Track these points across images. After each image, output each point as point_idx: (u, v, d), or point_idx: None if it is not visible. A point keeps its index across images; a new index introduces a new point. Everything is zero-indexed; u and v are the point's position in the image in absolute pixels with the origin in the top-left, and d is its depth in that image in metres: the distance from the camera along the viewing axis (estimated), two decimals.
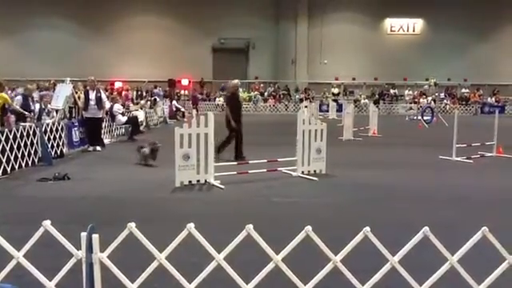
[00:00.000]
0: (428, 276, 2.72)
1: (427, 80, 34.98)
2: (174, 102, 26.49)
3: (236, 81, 11.60)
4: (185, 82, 35.58)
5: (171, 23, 36.39)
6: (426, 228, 2.65)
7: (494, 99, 34.28)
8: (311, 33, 36.58)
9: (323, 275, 2.64)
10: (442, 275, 2.70)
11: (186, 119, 18.93)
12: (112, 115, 15.38)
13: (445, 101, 33.47)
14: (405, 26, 37.42)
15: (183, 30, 36.35)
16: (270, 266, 2.59)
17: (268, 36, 36.62)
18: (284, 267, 2.59)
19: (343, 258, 2.62)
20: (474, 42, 35.78)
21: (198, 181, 8.05)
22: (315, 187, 8.23)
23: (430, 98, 32.07)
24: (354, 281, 2.64)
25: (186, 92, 35.11)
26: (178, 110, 25.30)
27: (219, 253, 2.59)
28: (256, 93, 35.60)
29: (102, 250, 2.52)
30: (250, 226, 2.57)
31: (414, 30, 37.38)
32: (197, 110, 25.71)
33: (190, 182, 7.97)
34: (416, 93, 34.89)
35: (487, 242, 2.69)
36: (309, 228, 2.56)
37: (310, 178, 8.84)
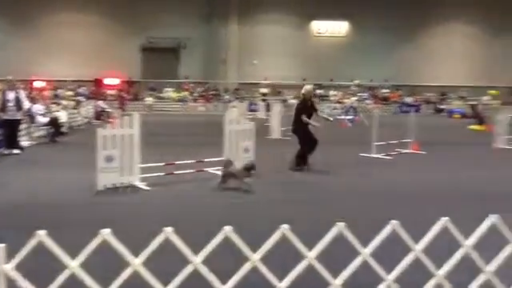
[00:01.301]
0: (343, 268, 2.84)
1: (352, 81, 36.40)
2: (101, 102, 25.58)
3: (309, 86, 10.88)
4: (112, 81, 34.49)
5: (98, 20, 35.15)
6: (341, 224, 2.76)
7: (411, 99, 36.32)
8: (242, 33, 36.86)
9: (243, 273, 2.67)
10: (356, 267, 2.83)
11: (111, 120, 18.33)
12: (31, 116, 14.58)
13: (367, 101, 34.98)
14: (331, 29, 38.68)
15: (111, 27, 35.27)
16: (189, 269, 2.58)
17: (199, 36, 36.41)
18: (204, 269, 2.59)
19: (263, 257, 2.66)
20: (395, 44, 37.71)
21: (122, 183, 7.83)
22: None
23: (353, 99, 33.36)
24: (269, 276, 2.69)
25: (114, 92, 34.03)
26: (103, 110, 24.43)
27: (137, 257, 2.54)
28: (186, 93, 35.28)
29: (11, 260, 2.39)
30: (169, 229, 2.55)
31: (339, 32, 38.74)
32: (123, 111, 24.99)
33: (113, 185, 7.73)
34: (341, 93, 36.17)
35: (396, 234, 2.85)
36: (228, 228, 2.58)
37: None
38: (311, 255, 2.73)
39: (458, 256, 2.99)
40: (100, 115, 23.39)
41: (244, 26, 36.87)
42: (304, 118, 9.94)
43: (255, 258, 2.64)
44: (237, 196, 7.44)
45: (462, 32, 38.61)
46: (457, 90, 37.18)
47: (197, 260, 2.57)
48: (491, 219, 2.98)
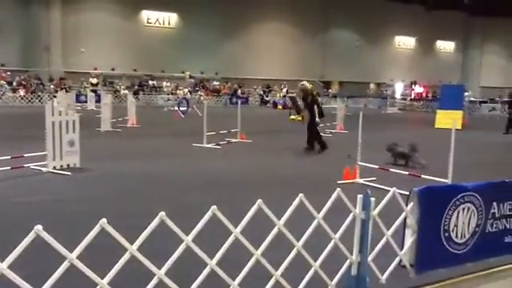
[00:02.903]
0: (167, 259, 2.87)
1: (183, 73, 36.66)
2: None
3: (305, 83, 12.64)
4: None
5: None
6: (162, 213, 2.79)
7: (240, 91, 38.13)
8: (66, 19, 34.18)
9: (59, 274, 2.52)
10: (177, 258, 2.89)
11: None
12: None
13: (199, 92, 35.66)
14: (161, 19, 38.28)
15: None
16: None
17: (16, 20, 32.67)
18: (12, 274, 2.38)
19: (80, 255, 2.55)
20: (223, 39, 39.06)
21: None
22: (67, 182, 7.79)
23: (186, 90, 33.72)
24: (92, 275, 2.60)
25: None
26: None
27: None
28: (2, 82, 31.40)
29: None
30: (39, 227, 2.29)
31: (169, 24, 38.56)
32: None
33: None
34: (173, 85, 36.19)
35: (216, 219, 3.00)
36: (39, 227, 2.41)
37: (63, 172, 8.33)
38: (133, 247, 2.71)
39: (272, 234, 3.27)
40: None
41: (68, 12, 34.24)
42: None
43: (73, 256, 2.52)
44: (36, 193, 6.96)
45: (280, 31, 41.79)
46: (279, 82, 40.23)
47: (2, 265, 2.35)
48: (299, 198, 3.32)
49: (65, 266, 2.51)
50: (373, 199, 3.57)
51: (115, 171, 8.71)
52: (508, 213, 4.35)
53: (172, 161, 10.16)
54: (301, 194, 3.34)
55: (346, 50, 44.15)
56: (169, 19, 38.51)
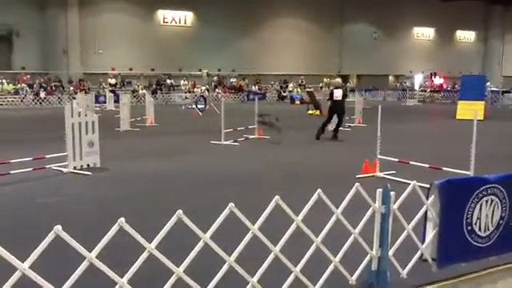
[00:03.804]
0: (185, 257, 2.88)
1: (200, 71, 36.76)
2: None
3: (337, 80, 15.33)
4: None
5: None
6: (180, 211, 2.80)
7: (257, 87, 38.06)
8: (84, 22, 34.53)
9: (79, 273, 2.55)
10: (196, 254, 2.89)
11: None
12: None
13: (217, 90, 35.73)
14: (177, 18, 38.42)
15: None
16: (18, 275, 2.38)
17: (34, 24, 33.11)
18: (33, 274, 2.41)
19: (100, 254, 2.57)
20: (239, 36, 38.99)
21: None
22: (88, 182, 7.89)
23: (203, 88, 33.81)
24: (111, 274, 2.62)
25: None
26: None
27: None
28: (23, 85, 31.95)
29: None
30: None
31: (185, 23, 38.69)
32: None
33: None
34: (191, 83, 36.32)
35: (235, 217, 2.99)
36: (58, 227, 2.43)
37: (83, 172, 8.44)
38: (151, 246, 2.72)
39: (290, 231, 3.25)
40: None
41: (85, 14, 34.58)
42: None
43: (92, 255, 2.54)
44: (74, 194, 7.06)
45: (296, 26, 41.56)
46: (296, 78, 40.05)
47: (24, 265, 2.38)
48: (317, 193, 3.30)
49: (84, 265, 2.54)
50: (393, 193, 3.52)
51: (134, 170, 8.79)
52: None
53: (190, 159, 10.21)
54: (319, 190, 3.32)
55: (363, 43, 43.69)
56: (185, 18, 38.63)
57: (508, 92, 34.35)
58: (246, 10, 38.39)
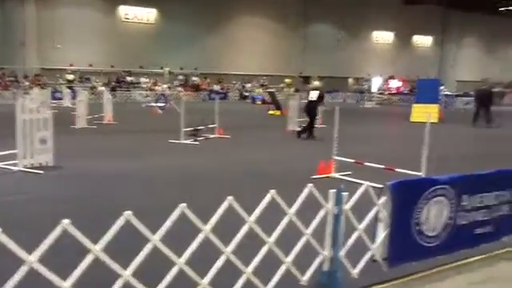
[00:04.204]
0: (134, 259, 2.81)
1: (162, 69, 36.27)
2: None
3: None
4: None
5: None
6: (128, 212, 2.72)
7: (219, 87, 37.89)
8: (42, 14, 33.39)
9: (19, 278, 2.44)
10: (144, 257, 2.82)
11: None
12: None
13: (178, 88, 35.33)
14: (139, 15, 37.77)
15: None
16: None
17: None
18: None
19: (41, 256, 2.46)
20: (203, 34, 38.73)
21: None
22: (39, 181, 7.61)
23: (164, 86, 33.40)
24: (53, 277, 2.52)
25: None
26: None
27: None
28: None
29: None
30: None
31: (148, 20, 38.09)
32: None
33: None
34: (152, 81, 35.78)
35: (184, 218, 2.94)
36: None
37: (35, 171, 8.14)
38: (97, 248, 2.64)
39: (243, 232, 3.23)
40: None
41: (44, 7, 33.47)
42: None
43: (31, 259, 2.43)
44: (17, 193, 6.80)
45: (260, 25, 41.70)
46: (258, 78, 40.14)
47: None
48: (271, 193, 3.29)
49: (23, 270, 2.43)
50: (345, 194, 3.55)
51: (88, 169, 8.54)
52: (478, 205, 4.39)
53: (147, 158, 10.03)
54: (272, 191, 3.31)
55: (326, 45, 44.27)
56: (148, 15, 38.02)
57: (461, 96, 35.62)
58: (210, 7, 38.15)
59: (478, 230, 4.45)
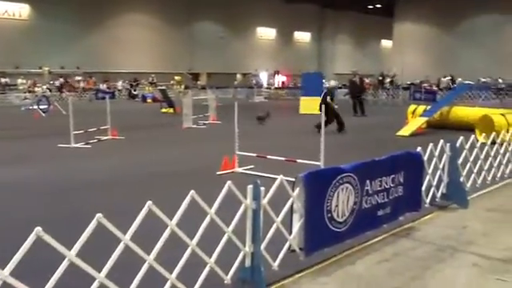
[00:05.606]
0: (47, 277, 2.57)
1: (41, 68, 33.64)
2: None
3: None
4: None
5: None
6: (39, 228, 2.48)
7: (105, 86, 36.16)
8: None
9: None
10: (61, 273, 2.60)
11: None
12: None
13: (62, 89, 33.09)
14: (10, 11, 34.59)
15: None
16: None
17: None
18: None
19: None
20: (85, 31, 36.72)
21: None
22: None
23: (45, 87, 31.07)
24: None
25: None
26: None
27: None
28: None
29: None
30: None
31: (20, 15, 35.04)
32: None
33: None
34: (30, 81, 33.02)
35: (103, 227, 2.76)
36: None
37: None
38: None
39: (165, 235, 3.12)
40: None
41: None
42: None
43: None
44: None
45: (145, 23, 40.67)
46: (147, 76, 39.09)
47: None
48: (191, 195, 3.21)
49: None
50: (262, 188, 3.59)
51: None
52: (378, 188, 4.73)
53: (34, 165, 9.23)
54: (192, 191, 3.24)
55: (212, 42, 44.46)
56: (20, 11, 34.90)
57: (340, 87, 38.06)
58: (90, 6, 36.27)
59: (380, 212, 4.80)
